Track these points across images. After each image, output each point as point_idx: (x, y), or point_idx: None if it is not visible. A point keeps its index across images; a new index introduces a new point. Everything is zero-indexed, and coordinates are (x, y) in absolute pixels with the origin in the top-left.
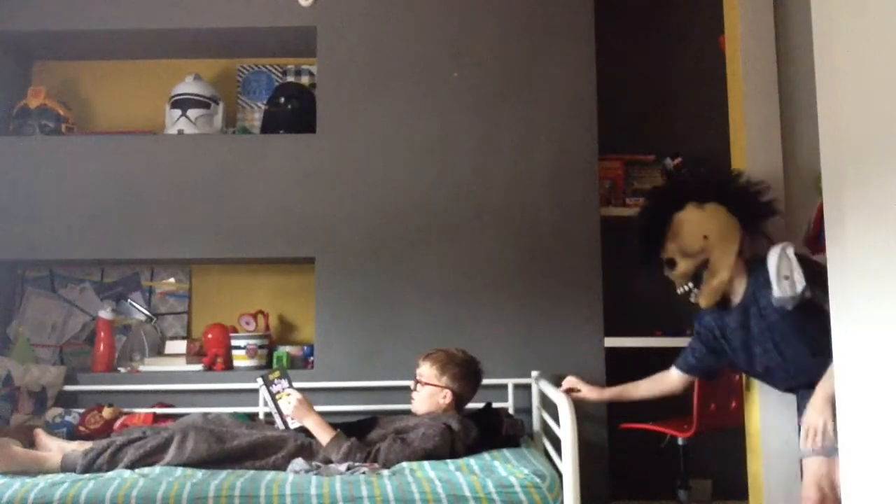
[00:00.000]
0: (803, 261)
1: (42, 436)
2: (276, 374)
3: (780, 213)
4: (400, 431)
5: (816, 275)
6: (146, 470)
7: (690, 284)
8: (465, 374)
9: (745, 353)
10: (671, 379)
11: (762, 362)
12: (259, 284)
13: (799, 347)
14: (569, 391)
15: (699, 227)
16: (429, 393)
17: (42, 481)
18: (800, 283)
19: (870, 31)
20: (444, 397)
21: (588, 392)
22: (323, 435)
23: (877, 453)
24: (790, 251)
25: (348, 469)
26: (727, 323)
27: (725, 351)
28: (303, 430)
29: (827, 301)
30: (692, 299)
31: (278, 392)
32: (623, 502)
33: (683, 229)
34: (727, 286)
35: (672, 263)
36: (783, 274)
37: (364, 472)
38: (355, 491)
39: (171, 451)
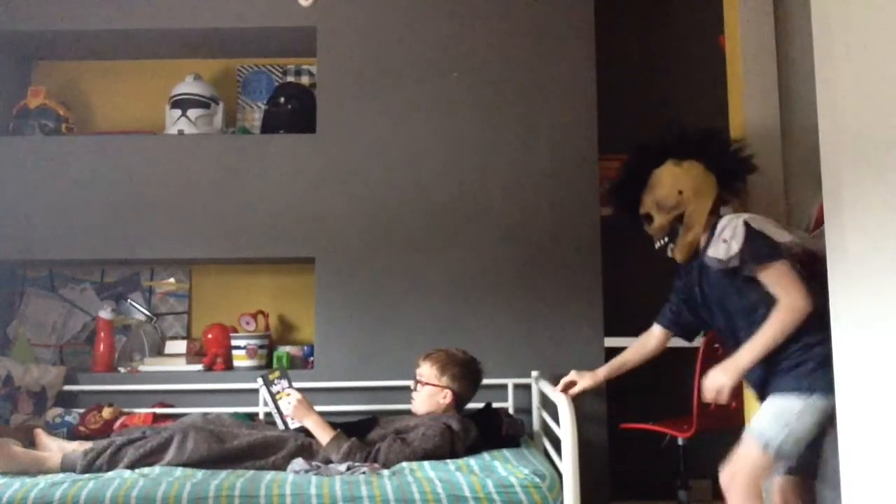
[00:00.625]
0: (756, 235)
1: (42, 436)
2: (276, 374)
3: (756, 169)
4: (400, 431)
5: (758, 249)
6: (146, 470)
7: (666, 239)
8: (466, 375)
9: (706, 310)
10: (654, 336)
11: (716, 322)
12: (259, 284)
13: (737, 310)
14: (566, 389)
15: (674, 182)
16: (429, 393)
17: (42, 481)
18: (733, 250)
19: (870, 31)
20: (445, 397)
21: (585, 381)
22: (323, 435)
23: (877, 452)
24: (741, 220)
25: (348, 469)
26: (691, 278)
27: (697, 306)
28: (303, 430)
29: (758, 274)
30: (668, 254)
31: (278, 392)
32: (623, 502)
33: (659, 184)
34: (700, 241)
35: (649, 218)
36: (723, 237)
37: (364, 473)
38: (355, 491)
39: (171, 451)
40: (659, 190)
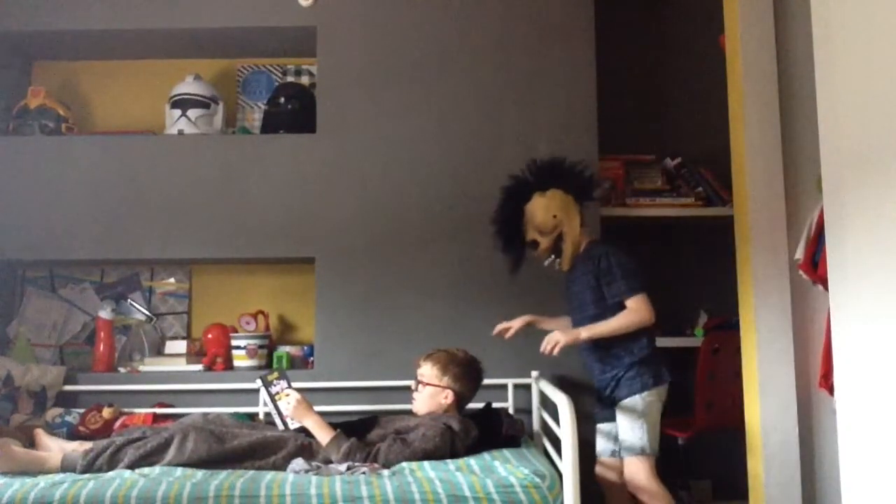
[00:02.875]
0: (626, 268)
1: (42, 436)
2: (276, 374)
3: (603, 183)
4: (400, 431)
5: (612, 268)
6: (146, 470)
7: (553, 256)
8: (467, 375)
9: (567, 300)
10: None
11: (572, 311)
12: (259, 284)
13: (584, 307)
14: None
15: (547, 209)
16: (430, 393)
17: (42, 481)
18: (612, 280)
19: (870, 32)
20: (446, 397)
21: (562, 336)
22: (323, 435)
23: (877, 452)
24: (609, 251)
25: (348, 469)
26: (567, 275)
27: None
28: (303, 431)
29: (626, 301)
30: (556, 268)
31: (277, 393)
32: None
33: (536, 215)
34: (578, 250)
35: (535, 244)
36: (601, 266)
37: (364, 473)
38: (355, 491)
39: (172, 452)
40: (537, 219)
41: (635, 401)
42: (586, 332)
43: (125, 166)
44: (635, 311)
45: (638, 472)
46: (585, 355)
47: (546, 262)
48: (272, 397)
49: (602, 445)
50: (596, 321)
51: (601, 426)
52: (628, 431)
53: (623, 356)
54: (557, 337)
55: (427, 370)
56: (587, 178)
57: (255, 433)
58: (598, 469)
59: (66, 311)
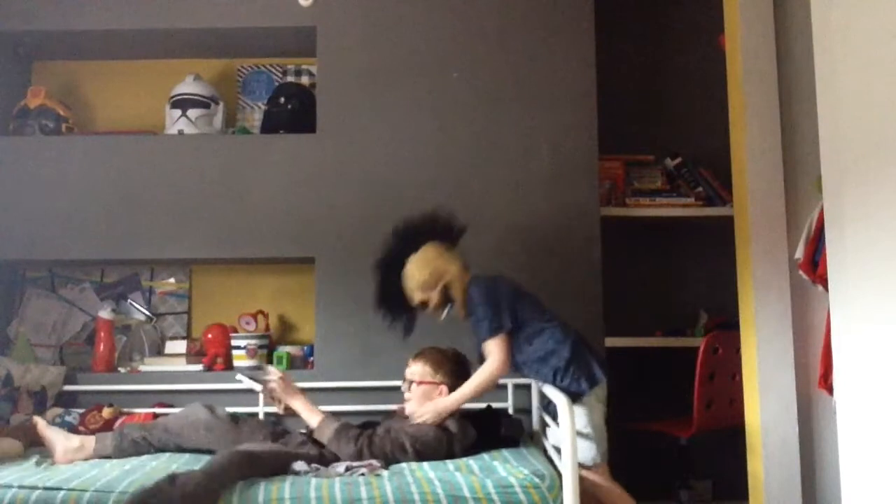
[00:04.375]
0: (488, 309)
1: (41, 426)
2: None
3: (462, 225)
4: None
5: (475, 309)
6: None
7: (448, 307)
8: (458, 370)
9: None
10: None
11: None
12: (259, 284)
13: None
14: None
15: (422, 266)
16: (423, 392)
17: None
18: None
19: (870, 31)
20: (440, 393)
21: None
22: (311, 417)
23: (877, 452)
24: (484, 283)
25: (347, 470)
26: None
27: None
28: (316, 443)
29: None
30: (454, 316)
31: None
32: None
33: (414, 276)
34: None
35: (425, 304)
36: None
37: (363, 474)
38: (355, 493)
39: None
40: (413, 280)
41: (578, 412)
42: (451, 401)
43: (125, 166)
44: (487, 363)
45: (594, 485)
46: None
47: (442, 317)
48: (255, 379)
49: (554, 438)
50: (527, 352)
51: None
52: (581, 441)
53: (543, 369)
54: (424, 411)
55: (419, 369)
56: (445, 223)
57: (278, 452)
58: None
59: (66, 311)
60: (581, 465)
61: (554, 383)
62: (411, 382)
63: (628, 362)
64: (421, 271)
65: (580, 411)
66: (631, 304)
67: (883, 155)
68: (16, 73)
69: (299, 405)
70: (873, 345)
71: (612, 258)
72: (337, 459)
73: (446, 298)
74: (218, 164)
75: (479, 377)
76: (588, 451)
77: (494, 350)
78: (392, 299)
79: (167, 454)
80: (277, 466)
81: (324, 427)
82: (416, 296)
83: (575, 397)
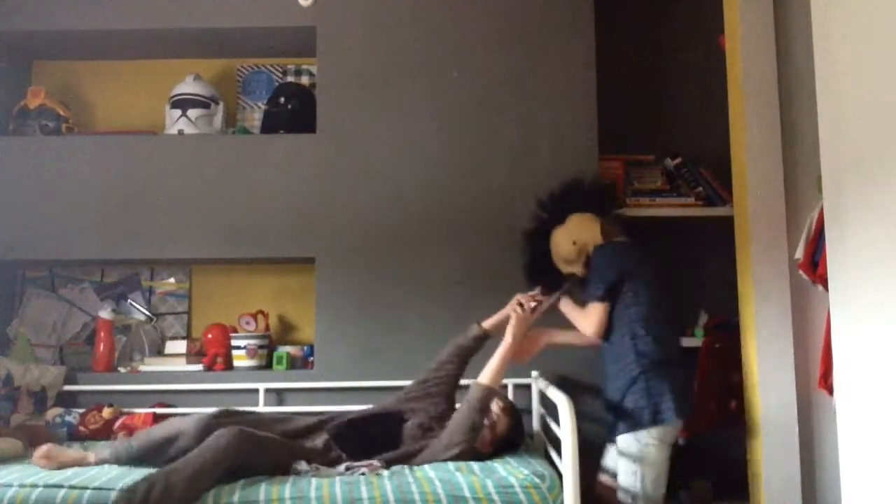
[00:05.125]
0: (596, 260)
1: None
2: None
3: (609, 185)
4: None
5: (592, 270)
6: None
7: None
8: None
9: None
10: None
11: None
12: (259, 284)
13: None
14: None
15: (564, 239)
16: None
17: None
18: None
19: (870, 32)
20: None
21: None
22: (492, 375)
23: (877, 452)
24: (606, 249)
25: (347, 469)
26: None
27: None
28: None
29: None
30: None
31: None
32: None
33: (559, 248)
34: None
35: (573, 275)
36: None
37: (363, 473)
38: (355, 493)
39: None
40: (561, 252)
41: (629, 441)
42: (548, 337)
43: (125, 166)
44: (585, 320)
45: None
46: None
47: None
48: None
49: (611, 460)
50: (610, 348)
51: (611, 445)
52: (624, 474)
53: (629, 361)
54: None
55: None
56: (599, 191)
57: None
58: (603, 482)
59: (66, 311)
60: (624, 493)
61: (629, 386)
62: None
63: None
64: (564, 242)
65: (637, 446)
66: None
67: (883, 155)
68: (16, 73)
69: (499, 357)
70: (873, 345)
71: None
72: (340, 458)
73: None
74: (218, 164)
75: (579, 322)
76: (632, 487)
77: (591, 313)
78: (541, 265)
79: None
80: (280, 455)
81: (486, 388)
82: (562, 266)
83: (636, 425)
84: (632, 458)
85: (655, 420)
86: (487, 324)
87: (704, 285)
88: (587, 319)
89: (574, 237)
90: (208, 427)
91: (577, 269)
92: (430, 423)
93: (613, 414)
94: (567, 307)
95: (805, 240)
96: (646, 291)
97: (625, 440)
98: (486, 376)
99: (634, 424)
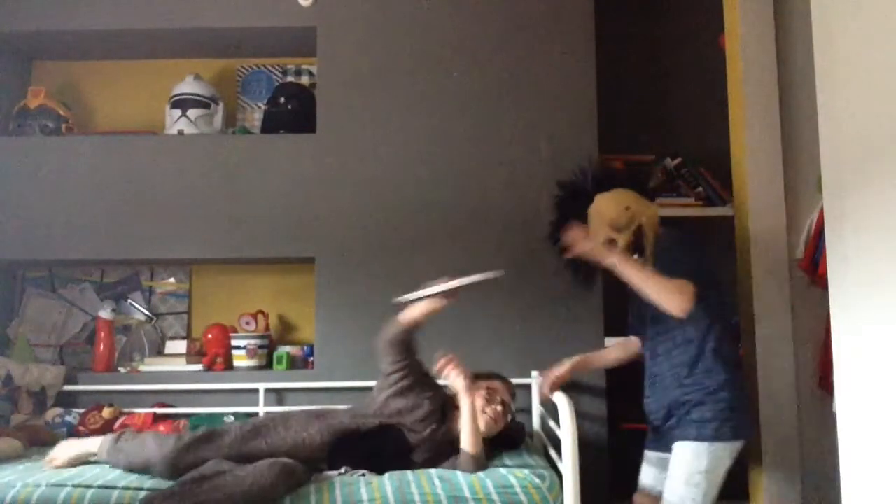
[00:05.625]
0: (676, 245)
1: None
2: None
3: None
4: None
5: (663, 251)
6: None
7: (636, 256)
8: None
9: (640, 315)
10: (632, 342)
11: (641, 325)
12: (259, 284)
13: (660, 320)
14: (553, 387)
15: (617, 202)
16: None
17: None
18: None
19: (870, 32)
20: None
21: (560, 372)
22: (473, 439)
23: (877, 452)
24: (689, 238)
25: (345, 471)
26: None
27: (638, 307)
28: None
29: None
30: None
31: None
32: (623, 502)
33: (609, 209)
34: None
35: (612, 243)
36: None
37: (363, 474)
38: (355, 494)
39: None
40: (610, 214)
41: (699, 451)
42: (632, 267)
43: (125, 166)
44: (677, 286)
45: None
46: (655, 361)
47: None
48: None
49: (649, 476)
50: (682, 346)
51: (651, 454)
52: (685, 485)
53: (708, 366)
54: (600, 252)
55: (506, 396)
56: (644, 180)
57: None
58: (639, 501)
59: (66, 311)
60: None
61: (701, 397)
62: (504, 404)
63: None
64: (615, 206)
65: (708, 456)
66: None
67: (883, 155)
68: (16, 73)
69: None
70: (873, 345)
71: None
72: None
73: (637, 243)
74: (218, 164)
75: (668, 282)
76: (680, 501)
77: (685, 290)
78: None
79: None
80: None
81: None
82: (604, 232)
83: (715, 437)
84: (700, 469)
85: (737, 435)
86: (405, 320)
87: None
88: (679, 295)
89: (627, 203)
90: (175, 465)
91: (622, 238)
92: (429, 416)
93: (677, 420)
94: (634, 271)
95: (805, 240)
96: (728, 297)
97: (695, 449)
98: (467, 444)
99: (714, 436)
